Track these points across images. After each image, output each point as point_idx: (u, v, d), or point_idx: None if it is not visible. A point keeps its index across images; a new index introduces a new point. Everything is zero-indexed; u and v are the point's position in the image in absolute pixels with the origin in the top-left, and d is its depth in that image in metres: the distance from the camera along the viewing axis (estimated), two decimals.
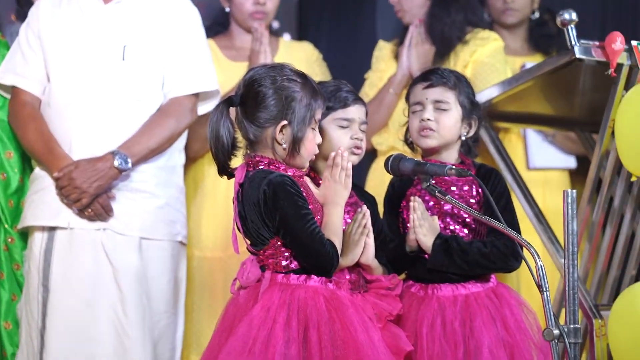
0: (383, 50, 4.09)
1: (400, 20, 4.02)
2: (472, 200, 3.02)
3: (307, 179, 2.87)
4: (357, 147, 2.97)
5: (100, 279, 3.38)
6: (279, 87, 2.77)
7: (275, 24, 4.48)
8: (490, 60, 3.87)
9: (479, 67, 3.84)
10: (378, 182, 3.88)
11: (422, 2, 3.95)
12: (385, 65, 4.04)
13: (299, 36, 5.06)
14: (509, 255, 2.95)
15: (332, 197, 2.80)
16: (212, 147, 2.81)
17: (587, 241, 3.43)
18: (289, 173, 2.79)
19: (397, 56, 4.02)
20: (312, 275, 2.75)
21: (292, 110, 2.76)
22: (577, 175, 4.25)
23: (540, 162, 4.25)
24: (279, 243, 2.75)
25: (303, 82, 2.81)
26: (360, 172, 3.35)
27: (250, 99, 2.79)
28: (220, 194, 3.91)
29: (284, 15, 4.62)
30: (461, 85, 3.08)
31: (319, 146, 2.88)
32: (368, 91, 4.04)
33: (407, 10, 3.96)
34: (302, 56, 4.13)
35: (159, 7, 3.53)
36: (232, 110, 2.84)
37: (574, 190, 2.61)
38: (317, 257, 2.72)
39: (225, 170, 2.83)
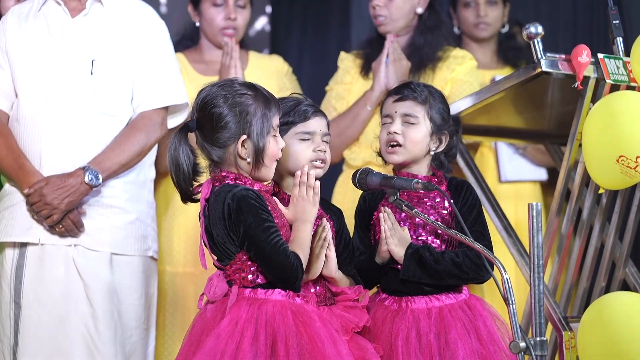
0: (345, 61, 4.08)
1: (377, 27, 3.96)
2: (444, 212, 3.03)
3: (275, 199, 2.88)
4: (321, 160, 2.97)
5: (71, 295, 3.37)
6: (233, 104, 2.79)
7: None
8: (468, 78, 3.89)
9: (458, 85, 3.86)
10: (344, 195, 3.89)
11: (410, 15, 3.95)
12: (351, 78, 4.03)
13: (272, 49, 5.08)
14: (481, 266, 2.95)
15: (301, 214, 2.82)
16: (172, 175, 2.84)
17: (557, 253, 3.44)
18: (255, 188, 2.80)
19: (362, 69, 4.01)
20: (280, 290, 2.76)
21: (249, 124, 2.78)
22: (548, 187, 4.27)
23: (512, 174, 4.27)
24: (244, 257, 2.76)
25: (254, 93, 2.83)
26: (326, 184, 3.35)
27: (206, 121, 2.81)
28: (191, 209, 3.88)
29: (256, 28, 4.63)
30: (433, 100, 3.09)
31: (283, 161, 2.90)
32: (335, 103, 4.02)
33: (395, 20, 3.92)
34: (272, 70, 4.14)
35: (127, 21, 3.52)
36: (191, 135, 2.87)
37: (539, 203, 2.62)
38: (281, 269, 2.73)
39: (188, 197, 2.86)
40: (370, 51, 3.99)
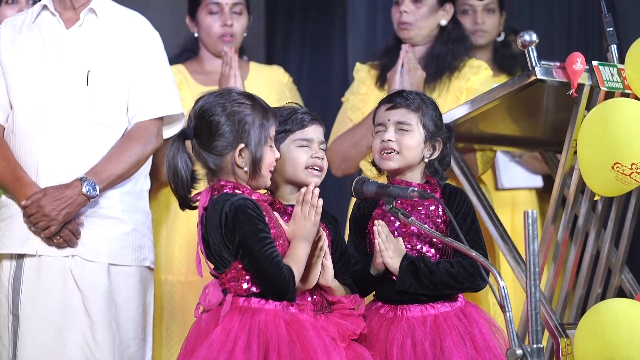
0: (360, 72, 4.07)
1: (400, 32, 3.95)
2: (439, 220, 3.04)
3: (276, 215, 2.89)
4: (318, 166, 2.98)
5: (69, 306, 3.36)
6: (231, 113, 2.81)
7: None
8: (483, 88, 3.86)
9: (473, 95, 3.84)
10: None
11: (434, 25, 3.96)
12: (366, 89, 4.02)
13: (268, 59, 5.09)
14: (476, 275, 2.96)
15: (300, 232, 2.82)
16: (170, 182, 2.85)
17: (553, 260, 3.45)
18: (253, 197, 2.81)
19: (378, 80, 3.99)
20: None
21: (247, 133, 2.80)
22: (544, 194, 4.28)
23: (509, 182, 4.29)
24: (240, 266, 2.77)
25: (252, 103, 2.85)
26: (340, 194, 3.32)
27: (204, 129, 2.83)
28: (192, 218, 3.86)
29: (252, 38, 4.63)
30: (426, 107, 3.10)
31: (281, 168, 2.92)
32: (351, 114, 4.00)
33: (419, 27, 3.93)
34: (273, 80, 4.16)
35: (121, 31, 3.52)
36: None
37: (535, 211, 2.63)
38: (273, 281, 2.73)
39: (186, 203, 2.87)
40: (388, 61, 3.96)
